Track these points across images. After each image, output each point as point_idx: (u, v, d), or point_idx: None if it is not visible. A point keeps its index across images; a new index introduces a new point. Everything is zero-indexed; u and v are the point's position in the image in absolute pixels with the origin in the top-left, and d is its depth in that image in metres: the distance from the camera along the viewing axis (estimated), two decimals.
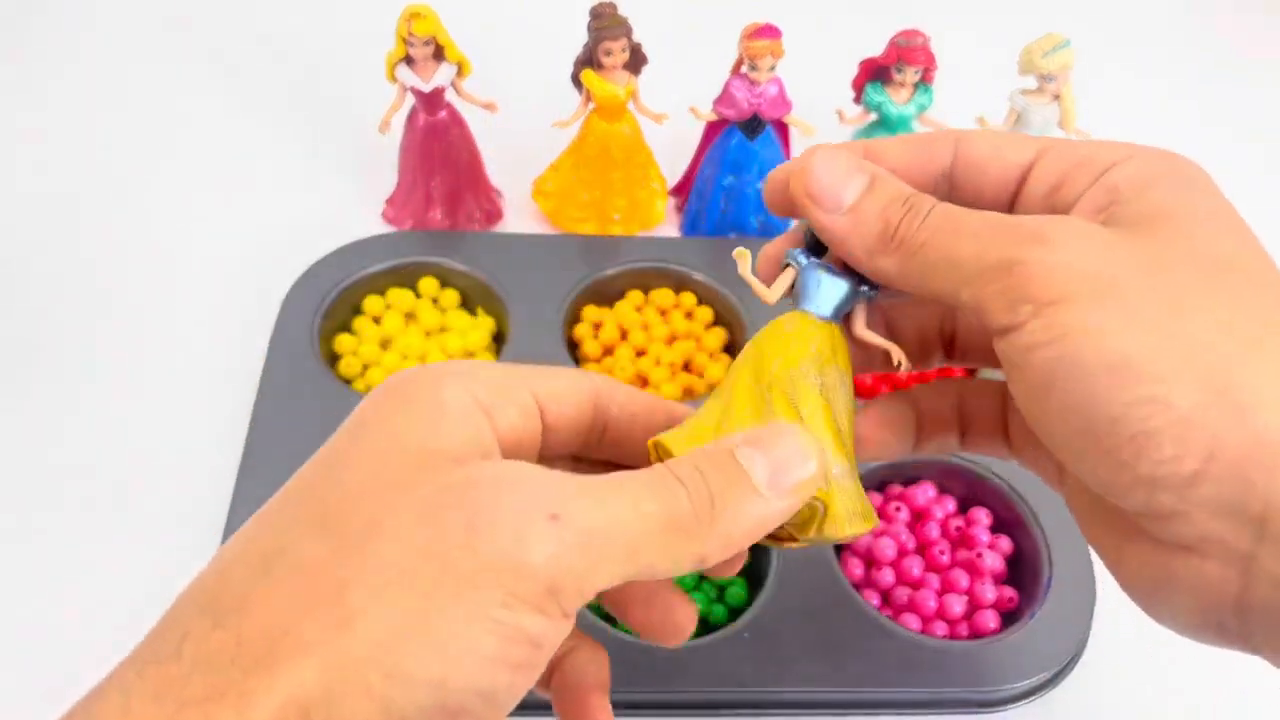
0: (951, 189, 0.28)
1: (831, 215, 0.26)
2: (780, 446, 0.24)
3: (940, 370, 0.47)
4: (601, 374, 0.28)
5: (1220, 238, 0.24)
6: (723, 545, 0.23)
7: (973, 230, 0.25)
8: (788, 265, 0.28)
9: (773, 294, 0.28)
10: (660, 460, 0.25)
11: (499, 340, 0.54)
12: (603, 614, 0.43)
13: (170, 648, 0.21)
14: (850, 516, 0.26)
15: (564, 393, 0.26)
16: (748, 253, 0.29)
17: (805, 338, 0.27)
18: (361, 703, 0.19)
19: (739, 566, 0.28)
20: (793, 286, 0.28)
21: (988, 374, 0.42)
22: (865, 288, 0.28)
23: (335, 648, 0.20)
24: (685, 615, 0.27)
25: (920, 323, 0.31)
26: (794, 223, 0.30)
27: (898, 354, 0.28)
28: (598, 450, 0.28)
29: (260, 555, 0.22)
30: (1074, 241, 0.23)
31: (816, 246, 0.28)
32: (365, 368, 0.52)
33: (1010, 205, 0.28)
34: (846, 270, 0.28)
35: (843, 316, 0.28)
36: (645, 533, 0.22)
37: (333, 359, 0.52)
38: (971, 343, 0.31)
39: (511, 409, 0.25)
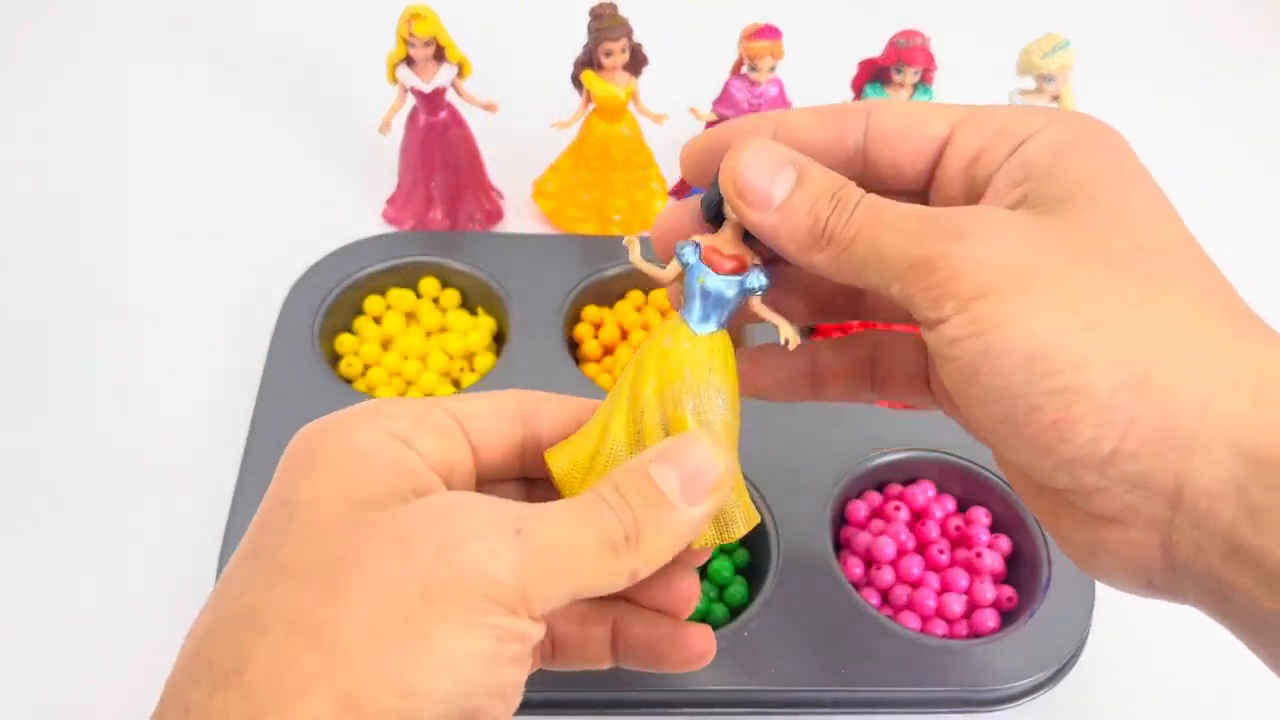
0: (866, 164, 0.28)
1: (761, 214, 0.27)
2: (689, 457, 0.25)
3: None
4: (528, 390, 0.28)
5: (1136, 217, 0.24)
6: (649, 560, 0.24)
7: (896, 225, 0.25)
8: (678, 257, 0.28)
9: (666, 275, 0.29)
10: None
11: (499, 340, 0.54)
12: None
13: (173, 701, 0.21)
14: (746, 518, 0.27)
15: (483, 411, 0.27)
16: (636, 239, 0.29)
17: (680, 361, 0.27)
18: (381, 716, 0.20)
19: (684, 578, 0.29)
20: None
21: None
22: (758, 285, 0.27)
23: (342, 680, 0.20)
24: (691, 590, 0.29)
25: (818, 285, 0.31)
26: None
27: (786, 331, 0.28)
28: (540, 468, 0.28)
29: (239, 616, 0.22)
30: (993, 235, 0.24)
31: (715, 218, 0.28)
32: (366, 368, 0.52)
33: (928, 179, 0.28)
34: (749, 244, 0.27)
35: (728, 318, 0.28)
36: (585, 554, 0.23)
37: (334, 359, 0.52)
38: (881, 303, 0.31)
39: (430, 435, 0.26)
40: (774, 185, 0.26)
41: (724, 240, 0.28)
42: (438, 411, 0.26)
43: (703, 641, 0.29)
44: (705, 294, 0.27)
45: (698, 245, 0.28)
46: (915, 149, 0.27)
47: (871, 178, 0.28)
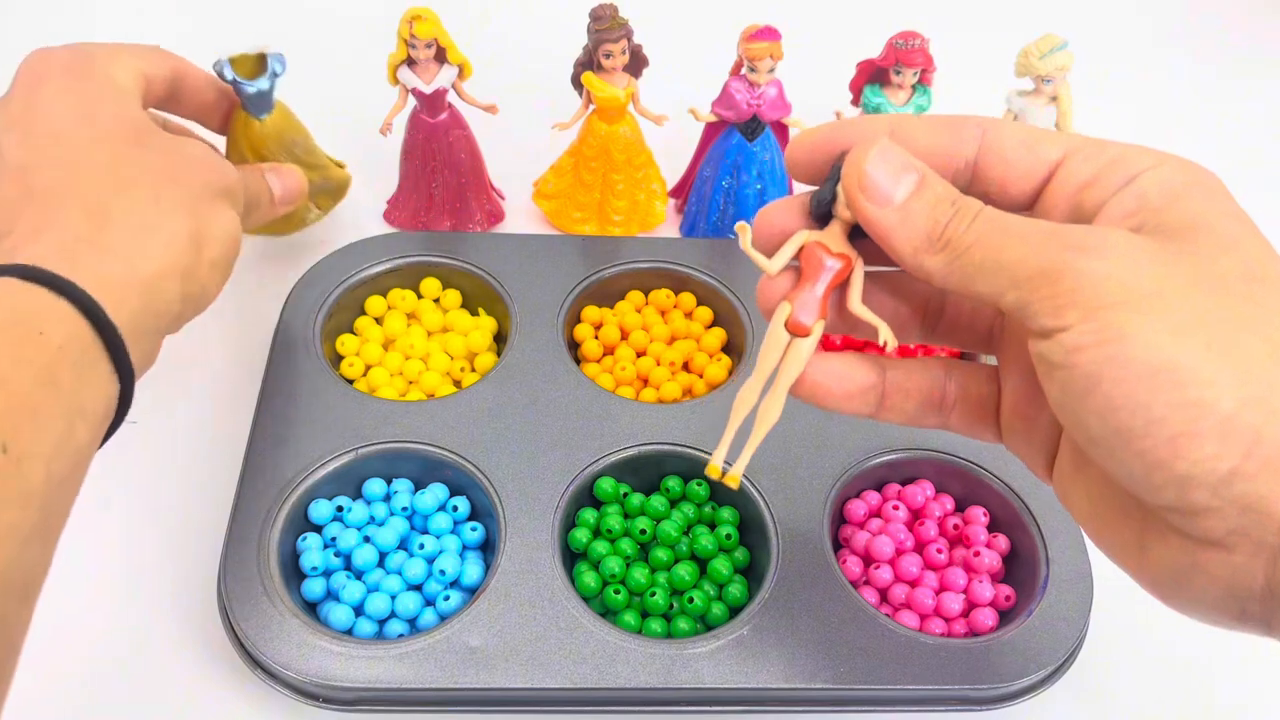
0: (974, 178, 0.29)
1: (881, 210, 0.27)
2: (285, 176, 0.51)
3: (922, 348, 0.48)
4: (175, 55, 0.47)
5: (1250, 251, 0.25)
6: (268, 217, 0.50)
7: (1020, 235, 0.25)
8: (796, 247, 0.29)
9: (774, 264, 0.29)
10: None
11: (500, 340, 0.54)
12: (603, 612, 0.44)
13: (84, 213, 0.37)
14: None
15: (159, 68, 0.45)
16: (748, 226, 0.29)
17: None
18: (211, 246, 0.41)
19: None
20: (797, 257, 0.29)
21: (987, 359, 0.42)
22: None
23: (178, 221, 0.39)
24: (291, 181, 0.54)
25: (905, 299, 0.32)
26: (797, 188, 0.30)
27: (885, 333, 0.29)
28: (174, 106, 0.48)
29: (102, 161, 0.38)
30: (1120, 252, 0.24)
31: (824, 216, 0.29)
32: (368, 368, 0.52)
33: (1033, 200, 0.28)
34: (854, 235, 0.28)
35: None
36: (252, 195, 0.47)
37: (335, 359, 0.52)
38: (959, 324, 0.32)
39: (142, 82, 0.43)
40: (896, 185, 0.27)
41: (831, 238, 0.28)
42: (151, 65, 0.45)
43: None
44: None
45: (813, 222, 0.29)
46: (1027, 170, 0.28)
47: (977, 193, 0.29)
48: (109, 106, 0.40)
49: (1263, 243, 0.26)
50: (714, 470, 0.31)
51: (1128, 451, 0.23)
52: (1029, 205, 0.29)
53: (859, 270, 0.29)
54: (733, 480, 0.31)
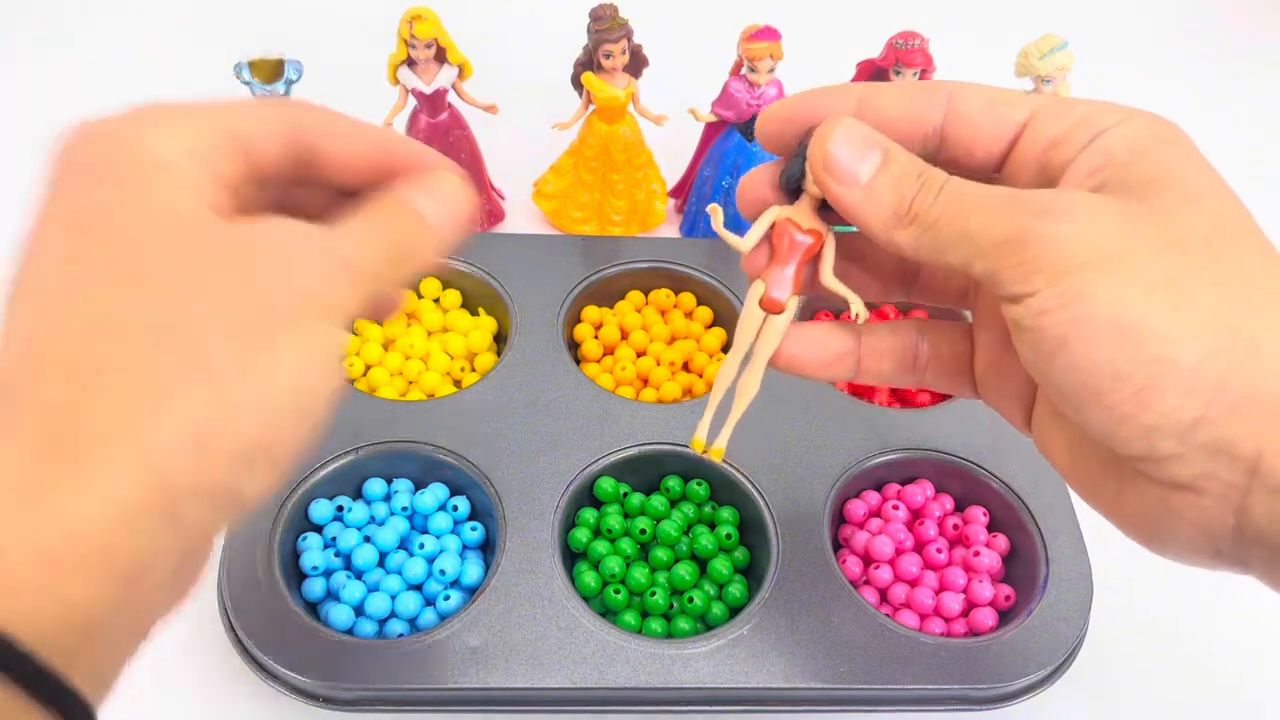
0: (942, 143, 0.29)
1: (848, 190, 0.27)
2: (436, 191, 0.28)
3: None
4: (313, 107, 0.29)
5: (1214, 204, 0.25)
6: (415, 272, 0.27)
7: (985, 204, 0.26)
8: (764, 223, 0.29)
9: (747, 243, 0.29)
10: None
11: (500, 340, 0.54)
12: (603, 612, 0.44)
13: (45, 412, 0.21)
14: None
15: (262, 130, 0.27)
16: (720, 208, 0.30)
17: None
18: (242, 422, 0.22)
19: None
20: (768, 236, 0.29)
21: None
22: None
23: (206, 381, 0.22)
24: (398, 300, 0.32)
25: (880, 261, 0.32)
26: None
27: (857, 305, 0.29)
28: (314, 178, 0.29)
29: (88, 320, 0.22)
30: (1083, 214, 0.25)
31: (794, 190, 0.29)
32: (368, 368, 0.52)
33: (1001, 161, 0.29)
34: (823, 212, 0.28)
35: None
36: (382, 266, 0.26)
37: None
38: (934, 285, 0.32)
39: (217, 156, 0.26)
40: (861, 164, 0.27)
41: (801, 213, 0.29)
42: (220, 132, 0.26)
43: None
44: None
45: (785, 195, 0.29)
46: (993, 132, 0.28)
47: (945, 158, 0.29)
48: (121, 219, 0.24)
49: (1228, 195, 0.26)
50: (698, 444, 0.32)
51: (1097, 406, 0.24)
52: (998, 167, 0.29)
53: (830, 244, 0.29)
54: (716, 454, 0.32)
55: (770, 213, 0.29)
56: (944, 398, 0.51)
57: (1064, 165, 0.27)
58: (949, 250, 0.27)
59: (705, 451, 0.32)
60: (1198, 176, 0.26)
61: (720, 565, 0.45)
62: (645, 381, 0.53)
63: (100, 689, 0.22)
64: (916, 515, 0.48)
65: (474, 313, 0.55)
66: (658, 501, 0.46)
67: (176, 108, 0.27)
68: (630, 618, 0.43)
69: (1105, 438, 0.25)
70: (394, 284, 0.27)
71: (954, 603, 0.44)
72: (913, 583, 0.45)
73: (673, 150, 0.60)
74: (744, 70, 0.55)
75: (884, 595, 0.45)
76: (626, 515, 0.46)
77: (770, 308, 0.29)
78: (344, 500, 0.46)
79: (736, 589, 0.44)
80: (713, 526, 0.47)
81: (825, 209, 0.29)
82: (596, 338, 0.54)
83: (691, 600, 0.43)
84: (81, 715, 0.21)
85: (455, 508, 0.46)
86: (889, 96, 0.29)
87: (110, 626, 0.21)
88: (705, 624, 0.44)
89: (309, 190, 0.29)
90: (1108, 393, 0.24)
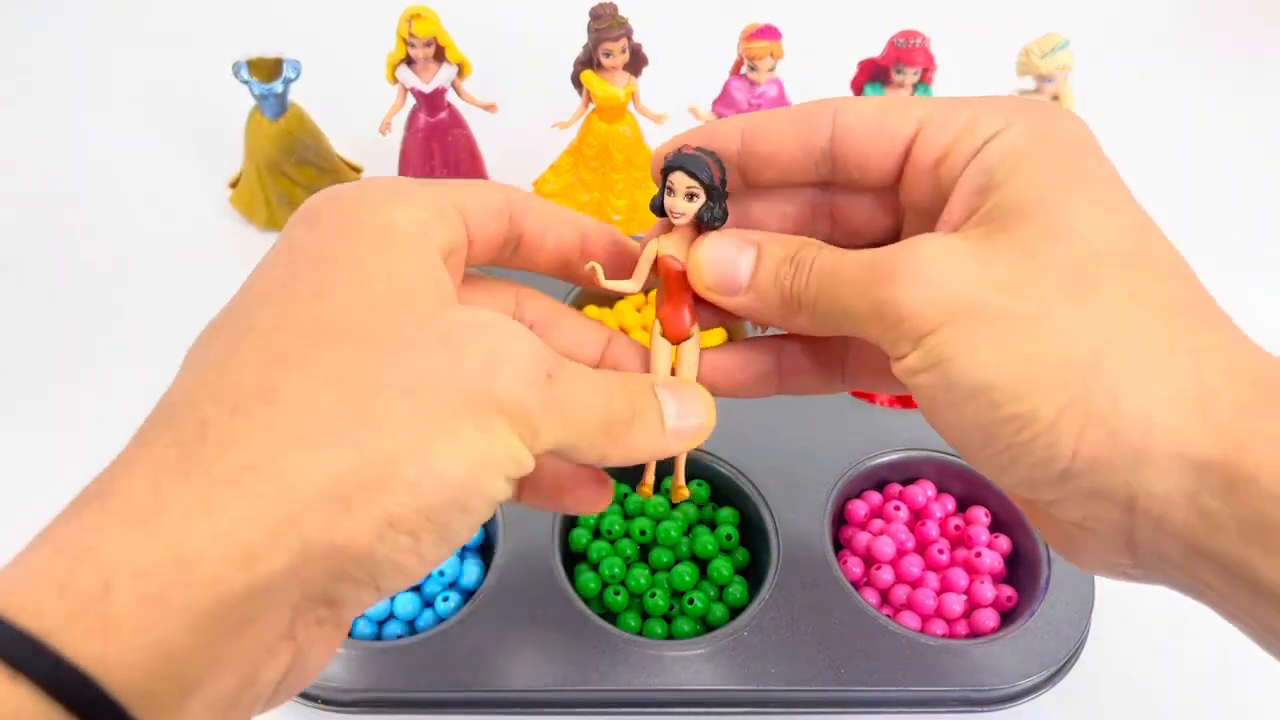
0: (834, 165, 0.29)
1: (737, 299, 0.28)
2: (692, 400, 0.28)
3: None
4: (516, 188, 0.29)
5: (1082, 228, 0.25)
6: (624, 456, 0.26)
7: (848, 279, 0.26)
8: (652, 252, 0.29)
9: (634, 285, 0.30)
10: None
11: None
12: (603, 613, 0.43)
13: (190, 432, 0.20)
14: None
15: (483, 207, 0.28)
16: (599, 266, 0.30)
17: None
18: (398, 492, 0.21)
19: (606, 497, 0.30)
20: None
21: None
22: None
23: (369, 438, 0.21)
24: (604, 494, 0.29)
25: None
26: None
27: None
28: (511, 261, 0.30)
29: (270, 350, 0.22)
30: (928, 273, 0.25)
31: (664, 214, 0.29)
32: None
33: (898, 176, 0.28)
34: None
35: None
36: (590, 421, 0.25)
37: None
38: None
39: (444, 227, 0.26)
40: (737, 271, 0.28)
41: (676, 243, 0.28)
42: (448, 204, 0.27)
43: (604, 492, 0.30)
44: None
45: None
46: (883, 148, 0.28)
47: (842, 179, 0.29)
48: (343, 271, 0.24)
49: (1104, 210, 0.25)
50: (646, 490, 0.31)
51: (976, 459, 0.25)
52: (896, 182, 0.29)
53: None
54: (680, 494, 0.31)
55: (651, 248, 0.29)
56: None
57: (951, 185, 0.27)
58: (838, 325, 0.27)
59: (655, 494, 0.32)
60: (1071, 197, 0.25)
61: (720, 566, 0.44)
62: None
63: None
64: (918, 516, 0.47)
65: None
66: (657, 502, 0.46)
67: (410, 181, 0.27)
68: (630, 619, 0.43)
69: (995, 482, 0.26)
70: (590, 452, 0.25)
71: (956, 604, 0.44)
72: (914, 584, 0.45)
73: None
74: (744, 69, 0.55)
75: (885, 596, 0.45)
76: (626, 516, 0.46)
77: (674, 339, 0.29)
78: None
79: (737, 590, 0.44)
80: (713, 527, 0.47)
81: (704, 228, 0.28)
82: None
83: (692, 602, 0.43)
84: None
85: None
86: (772, 124, 0.29)
87: (209, 681, 0.19)
88: (705, 625, 0.43)
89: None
90: (980, 448, 0.25)
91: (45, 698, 0.17)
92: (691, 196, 0.28)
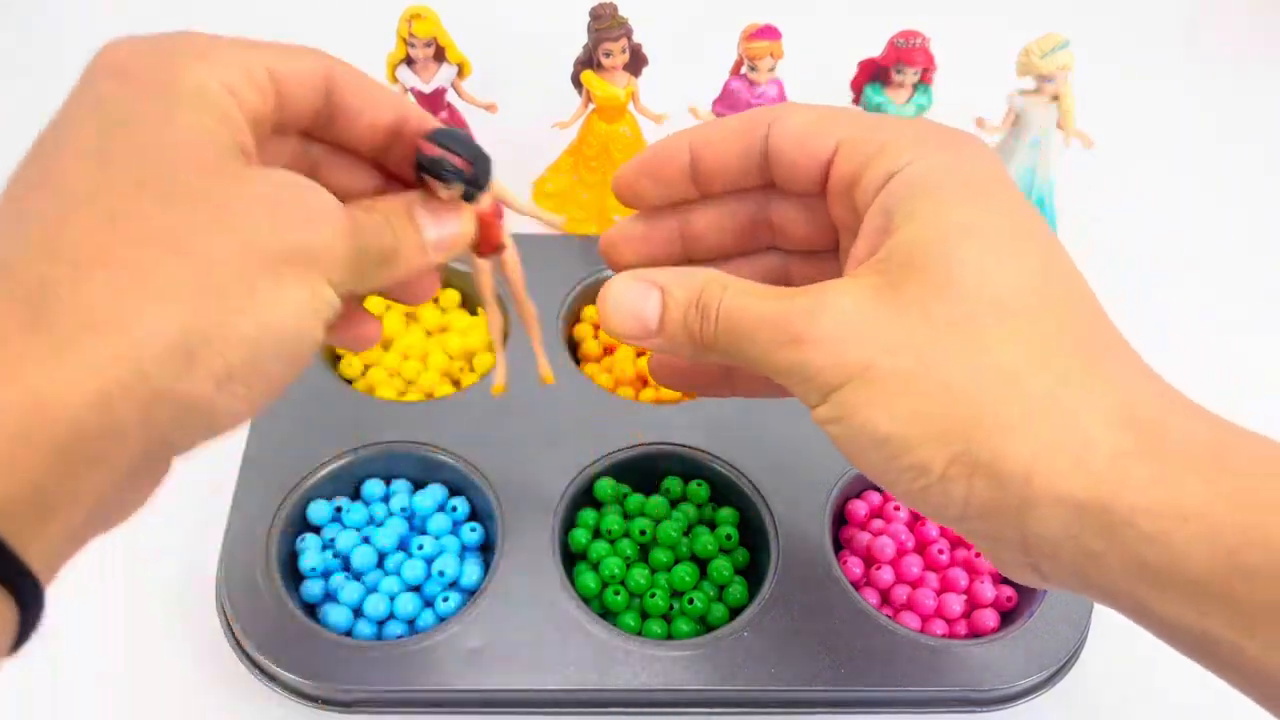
0: (771, 172, 0.31)
1: (647, 340, 0.29)
2: (442, 211, 0.29)
3: None
4: (339, 60, 0.30)
5: (970, 279, 0.26)
6: (394, 278, 0.29)
7: (751, 331, 0.28)
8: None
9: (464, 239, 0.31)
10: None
11: None
12: (601, 612, 0.43)
13: (32, 289, 0.21)
14: None
15: (298, 75, 0.29)
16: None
17: None
18: (236, 346, 0.23)
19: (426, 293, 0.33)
20: None
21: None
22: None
23: (209, 300, 0.23)
24: (374, 330, 0.31)
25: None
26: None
27: (557, 219, 0.38)
28: (324, 133, 0.30)
29: (99, 214, 0.23)
30: (834, 330, 0.26)
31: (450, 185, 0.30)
32: (366, 367, 0.52)
33: (822, 188, 0.30)
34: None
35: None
36: (372, 257, 0.27)
37: (334, 358, 0.52)
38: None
39: (252, 91, 0.27)
40: (644, 316, 0.29)
41: (444, 200, 0.30)
42: (260, 68, 0.28)
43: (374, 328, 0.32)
44: None
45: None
46: (806, 164, 0.29)
47: (779, 185, 0.31)
48: (154, 126, 0.25)
49: (996, 255, 0.26)
50: (548, 377, 0.37)
51: (895, 496, 0.27)
52: (821, 193, 0.30)
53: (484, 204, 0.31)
54: (547, 378, 0.37)
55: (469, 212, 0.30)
56: None
57: (863, 209, 0.28)
58: (750, 365, 0.28)
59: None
60: (960, 248, 0.26)
61: (720, 566, 0.44)
62: (645, 381, 0.53)
63: (48, 575, 0.22)
64: (918, 516, 0.47)
65: (473, 312, 0.55)
66: (657, 502, 0.46)
67: (220, 40, 0.28)
68: (630, 619, 0.43)
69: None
70: (368, 283, 0.28)
71: (956, 604, 0.44)
72: (914, 584, 0.45)
73: None
74: (744, 69, 0.55)
75: (885, 596, 0.45)
76: (626, 516, 0.46)
77: (488, 253, 0.32)
78: (342, 501, 0.46)
79: (737, 590, 0.44)
80: (713, 527, 0.47)
81: (468, 197, 0.30)
82: (596, 337, 0.54)
83: (691, 602, 0.43)
84: (32, 594, 0.21)
85: (454, 508, 0.46)
86: (716, 135, 0.31)
87: (65, 509, 0.21)
88: (705, 625, 0.43)
89: (319, 148, 0.31)
90: (891, 488, 0.27)
91: None
92: (448, 185, 0.29)
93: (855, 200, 0.28)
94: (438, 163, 0.29)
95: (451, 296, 0.55)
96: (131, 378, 0.21)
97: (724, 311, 0.28)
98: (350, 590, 0.43)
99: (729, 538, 0.45)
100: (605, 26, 0.52)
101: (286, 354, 0.25)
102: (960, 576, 0.45)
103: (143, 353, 0.21)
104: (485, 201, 0.31)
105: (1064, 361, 0.25)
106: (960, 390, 0.25)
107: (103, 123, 0.24)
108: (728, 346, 0.28)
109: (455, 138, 0.29)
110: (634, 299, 0.29)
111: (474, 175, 0.29)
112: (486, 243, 0.32)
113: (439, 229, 0.30)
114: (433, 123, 0.30)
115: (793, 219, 0.32)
